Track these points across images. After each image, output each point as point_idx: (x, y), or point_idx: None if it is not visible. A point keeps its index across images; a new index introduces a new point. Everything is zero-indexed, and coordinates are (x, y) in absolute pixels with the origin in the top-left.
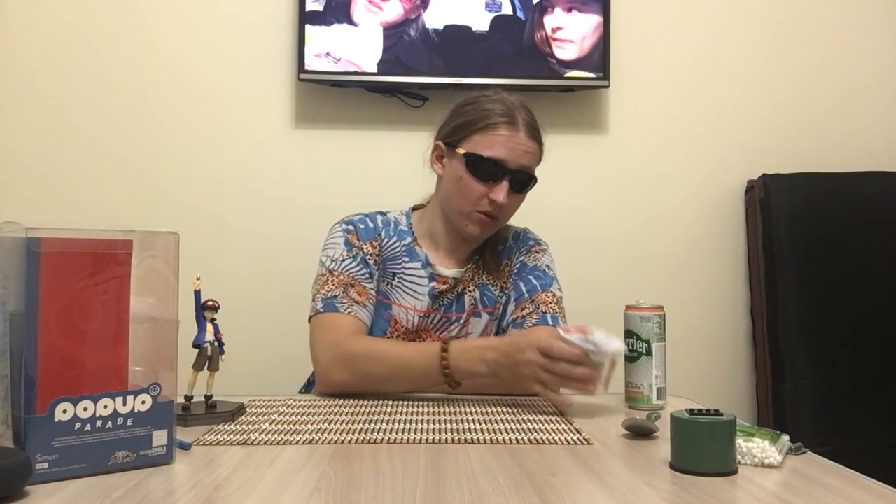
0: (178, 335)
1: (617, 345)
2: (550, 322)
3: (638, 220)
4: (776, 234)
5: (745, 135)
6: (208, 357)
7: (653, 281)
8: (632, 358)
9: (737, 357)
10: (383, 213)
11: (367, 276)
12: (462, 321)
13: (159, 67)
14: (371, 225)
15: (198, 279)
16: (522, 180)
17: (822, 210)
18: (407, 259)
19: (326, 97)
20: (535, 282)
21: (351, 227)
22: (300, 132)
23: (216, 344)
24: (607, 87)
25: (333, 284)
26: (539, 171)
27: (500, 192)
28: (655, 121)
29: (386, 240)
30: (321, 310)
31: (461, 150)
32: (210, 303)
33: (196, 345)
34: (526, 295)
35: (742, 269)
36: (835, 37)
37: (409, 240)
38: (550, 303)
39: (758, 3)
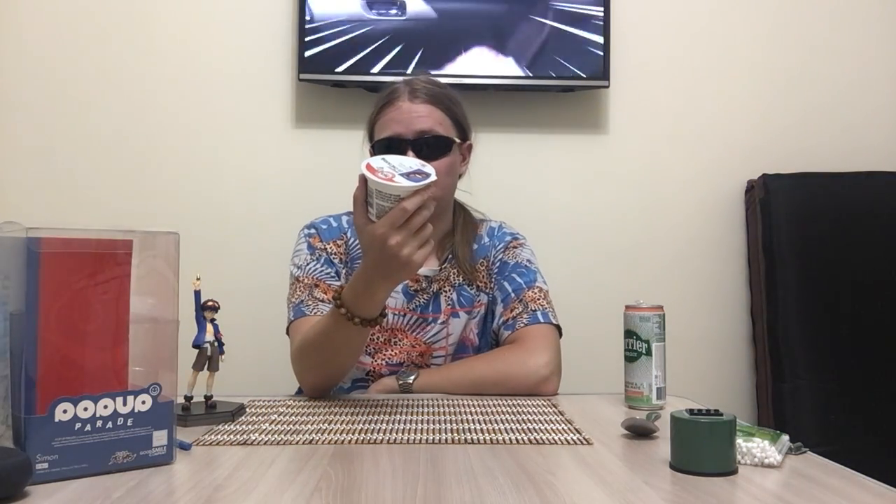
0: (178, 335)
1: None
2: (541, 319)
3: (638, 220)
4: (776, 234)
5: (745, 135)
6: (208, 357)
7: (653, 281)
8: (632, 358)
9: (737, 357)
10: (350, 213)
11: (333, 274)
12: (440, 321)
13: (160, 68)
14: (335, 225)
15: (198, 279)
16: (429, 144)
17: (822, 210)
18: None
19: (326, 97)
20: (519, 280)
21: (312, 231)
22: (300, 132)
23: (216, 344)
24: (607, 87)
25: (301, 290)
26: (539, 171)
27: None
28: (655, 121)
29: (352, 239)
30: (292, 318)
31: (370, 144)
32: (210, 303)
33: (196, 345)
34: (513, 295)
35: (742, 269)
36: (834, 37)
37: None
38: (538, 299)
39: (758, 4)
